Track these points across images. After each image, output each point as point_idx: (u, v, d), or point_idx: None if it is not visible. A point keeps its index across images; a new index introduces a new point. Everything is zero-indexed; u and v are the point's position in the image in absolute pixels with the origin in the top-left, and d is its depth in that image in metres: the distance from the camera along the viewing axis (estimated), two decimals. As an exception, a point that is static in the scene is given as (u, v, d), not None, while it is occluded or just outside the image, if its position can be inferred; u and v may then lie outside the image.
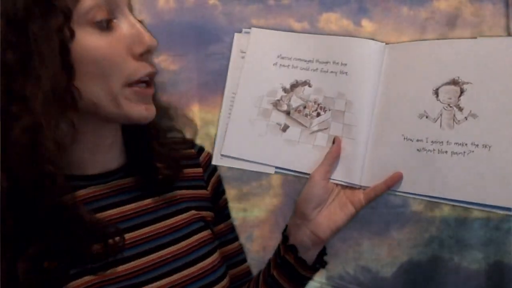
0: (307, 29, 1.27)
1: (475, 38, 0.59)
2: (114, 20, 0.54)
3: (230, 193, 0.76)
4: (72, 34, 0.51)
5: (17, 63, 0.50)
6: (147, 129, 0.62)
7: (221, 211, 0.73)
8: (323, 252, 0.67)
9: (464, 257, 1.29)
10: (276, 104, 0.68)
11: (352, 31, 1.30)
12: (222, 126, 0.69)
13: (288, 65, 0.69)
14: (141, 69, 0.55)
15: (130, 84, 0.55)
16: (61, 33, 0.51)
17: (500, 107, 0.56)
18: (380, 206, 1.33)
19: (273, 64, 0.70)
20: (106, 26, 0.53)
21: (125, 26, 0.55)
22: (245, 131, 0.68)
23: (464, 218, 1.29)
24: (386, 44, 0.66)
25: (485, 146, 0.56)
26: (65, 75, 0.51)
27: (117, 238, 0.56)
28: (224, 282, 0.64)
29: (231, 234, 0.74)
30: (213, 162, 0.68)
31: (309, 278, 0.67)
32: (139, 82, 0.55)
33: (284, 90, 0.69)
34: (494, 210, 0.55)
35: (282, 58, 0.70)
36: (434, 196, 0.59)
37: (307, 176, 0.65)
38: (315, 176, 0.63)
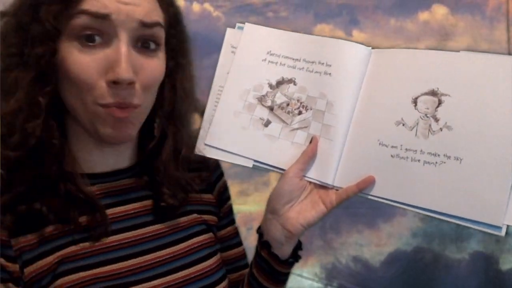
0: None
1: (458, 51, 0.60)
2: (97, 39, 0.53)
3: (233, 189, 0.79)
4: (54, 51, 0.53)
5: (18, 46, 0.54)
6: (170, 145, 0.64)
7: (226, 217, 0.74)
8: (298, 247, 0.68)
9: (447, 247, 1.38)
10: (261, 99, 0.69)
11: (344, 41, 1.37)
12: (207, 117, 0.70)
13: (276, 62, 0.70)
14: (107, 96, 0.54)
15: (101, 105, 0.54)
16: (45, 45, 0.53)
17: (475, 121, 0.56)
18: (370, 200, 1.37)
19: (262, 60, 0.71)
20: (89, 42, 0.53)
21: (110, 49, 0.54)
22: (229, 123, 0.69)
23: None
24: (372, 48, 0.67)
25: (457, 159, 0.57)
26: (39, 84, 0.53)
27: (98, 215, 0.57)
28: (222, 285, 0.65)
29: (235, 239, 0.75)
30: (196, 151, 0.69)
31: (286, 274, 0.68)
32: (107, 106, 0.54)
33: (270, 86, 0.70)
34: (459, 222, 0.56)
35: (271, 54, 0.71)
36: (404, 203, 0.60)
37: (283, 172, 0.66)
38: (289, 173, 0.64)
